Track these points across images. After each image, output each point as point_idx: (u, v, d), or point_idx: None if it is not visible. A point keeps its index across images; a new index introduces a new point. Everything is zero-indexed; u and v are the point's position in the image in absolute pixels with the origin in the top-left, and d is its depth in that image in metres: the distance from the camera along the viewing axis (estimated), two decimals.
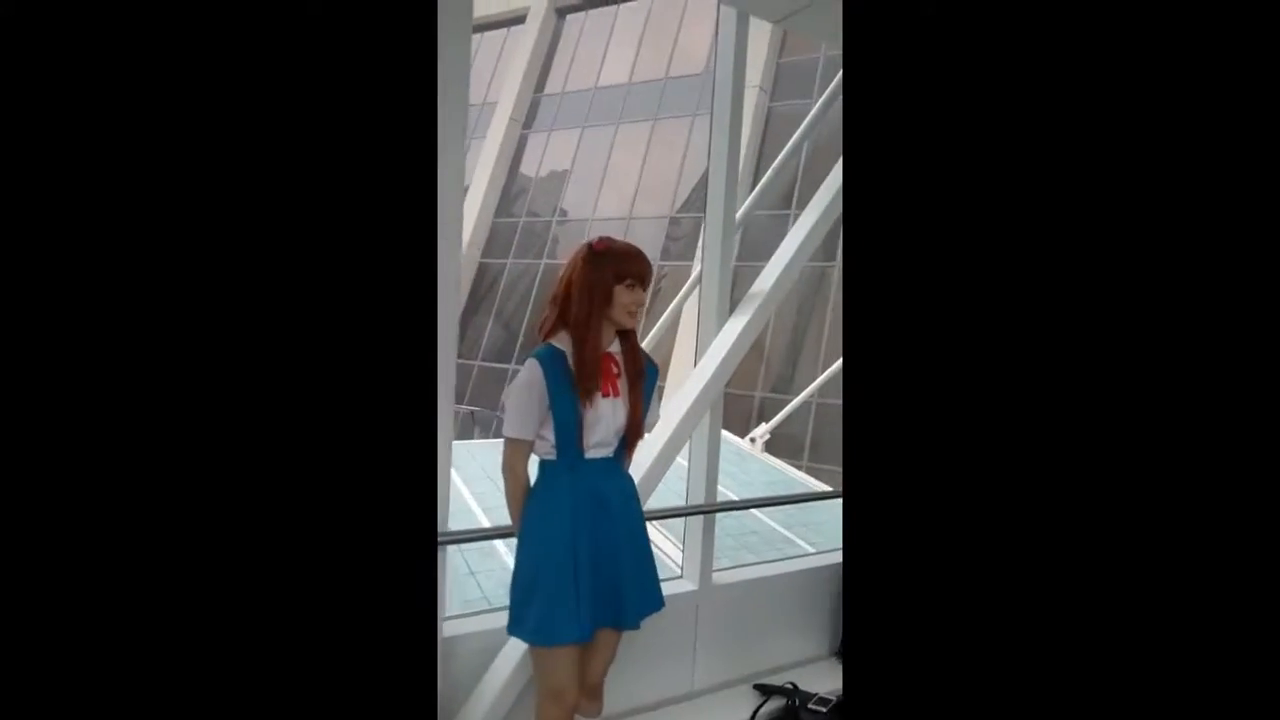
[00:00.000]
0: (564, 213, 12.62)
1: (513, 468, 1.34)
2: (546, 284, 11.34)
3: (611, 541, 1.33)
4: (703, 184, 10.52)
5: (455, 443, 1.71)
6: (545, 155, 13.12)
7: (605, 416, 1.32)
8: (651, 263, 1.36)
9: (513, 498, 1.37)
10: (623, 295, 1.30)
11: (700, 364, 2.01)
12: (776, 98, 10.73)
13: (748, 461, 4.55)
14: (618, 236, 1.37)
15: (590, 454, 1.32)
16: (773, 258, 2.10)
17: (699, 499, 2.05)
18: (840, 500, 1.84)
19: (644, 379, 1.38)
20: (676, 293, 4.61)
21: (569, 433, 1.30)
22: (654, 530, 1.91)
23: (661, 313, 4.70)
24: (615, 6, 13.02)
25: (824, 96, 2.59)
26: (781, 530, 3.37)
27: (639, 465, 1.69)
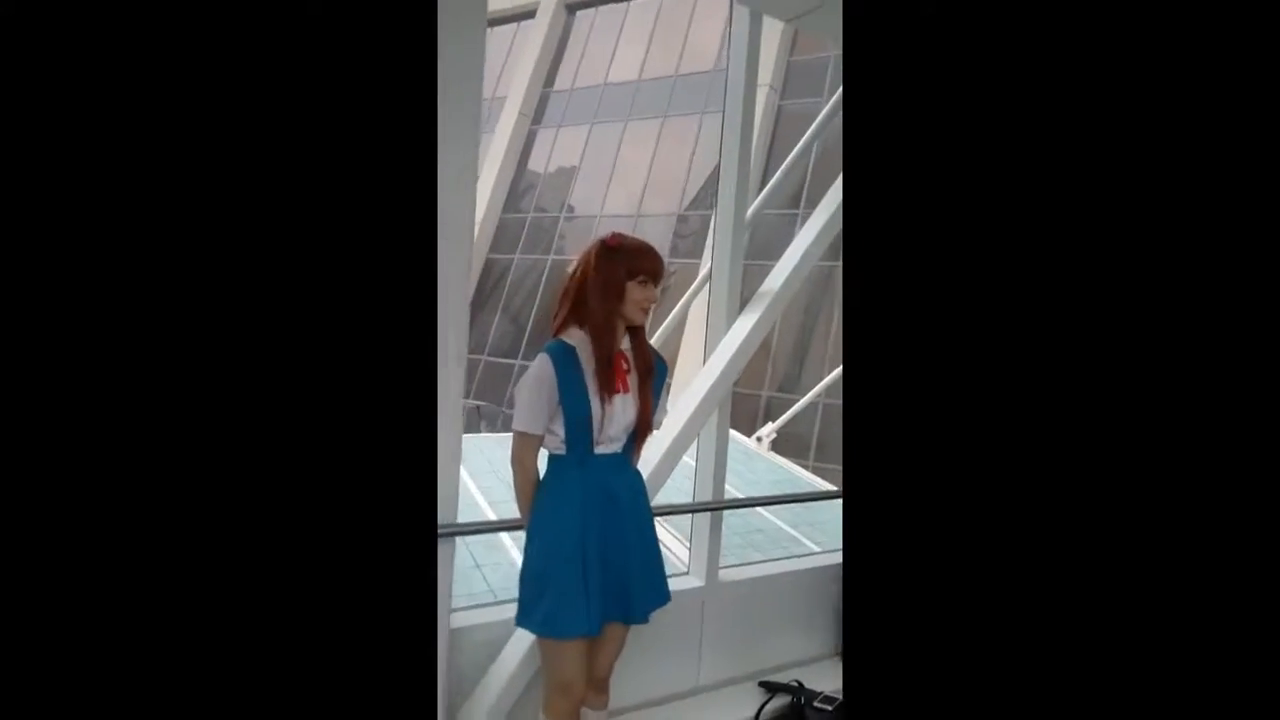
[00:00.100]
0: (571, 209, 12.61)
1: (522, 461, 1.35)
2: (553, 280, 11.35)
3: (620, 536, 1.34)
4: (711, 182, 10.53)
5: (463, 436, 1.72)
6: (554, 151, 13.11)
7: (616, 412, 1.32)
8: (664, 259, 1.37)
9: (522, 491, 1.38)
10: (635, 291, 1.31)
11: (709, 362, 2.01)
12: (786, 96, 10.71)
13: (754, 460, 4.54)
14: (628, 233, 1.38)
15: (600, 449, 1.33)
16: (783, 257, 2.10)
17: (706, 496, 2.05)
18: None
19: (654, 375, 1.38)
20: (684, 291, 4.60)
21: (579, 428, 1.30)
22: (659, 527, 1.92)
23: (669, 311, 4.70)
24: (626, 3, 13.00)
25: (834, 96, 2.58)
26: (787, 529, 3.37)
27: (647, 461, 1.70)
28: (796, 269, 2.07)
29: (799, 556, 2.65)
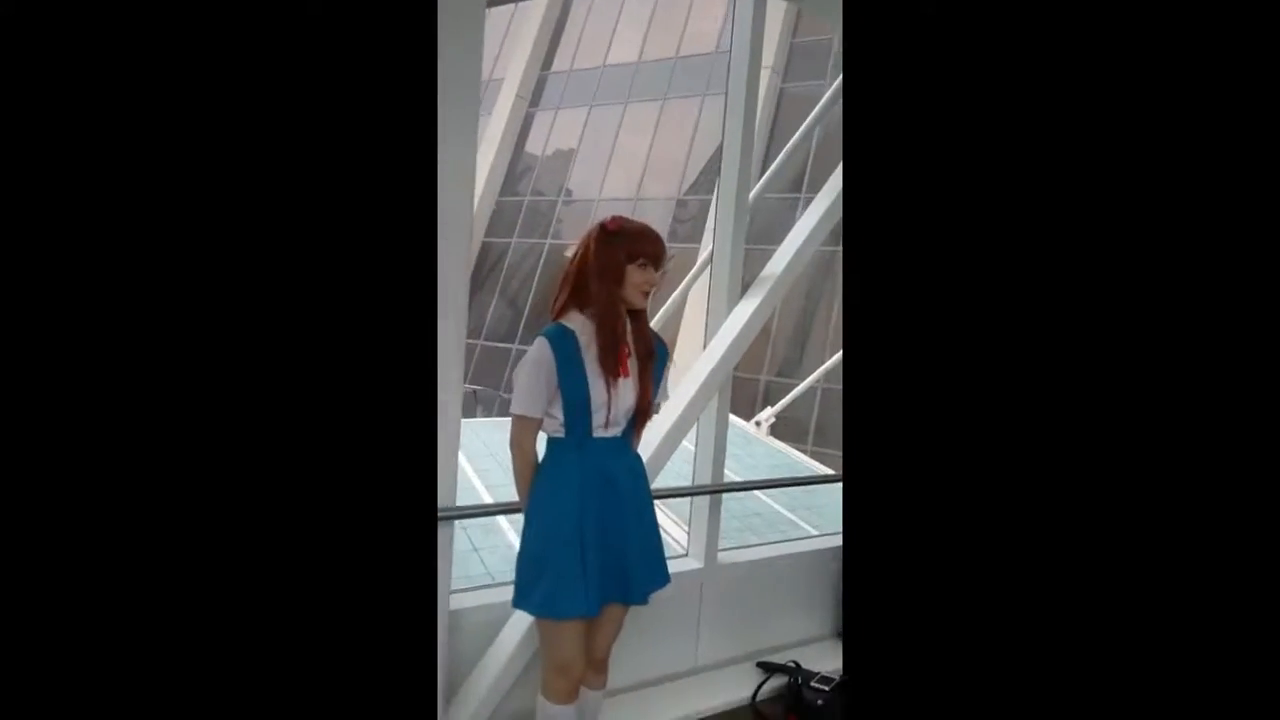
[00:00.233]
0: (569, 193, 12.55)
1: (520, 444, 1.35)
2: (551, 264, 11.31)
3: (619, 518, 1.34)
4: (711, 166, 10.46)
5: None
6: (551, 134, 13.02)
7: (616, 396, 1.32)
8: (665, 243, 1.36)
9: (520, 475, 1.38)
10: (635, 275, 1.30)
11: (709, 346, 2.01)
12: (789, 79, 10.62)
13: (753, 445, 4.56)
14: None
15: (599, 433, 1.33)
16: (784, 241, 2.10)
17: (705, 480, 2.06)
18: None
19: (654, 359, 1.38)
20: (683, 275, 4.59)
21: (577, 411, 1.30)
22: (658, 511, 1.93)
23: (668, 295, 4.69)
24: None
25: (837, 80, 2.56)
26: (785, 513, 3.39)
27: (647, 445, 1.70)
28: (798, 254, 2.06)
29: (796, 540, 2.67)
